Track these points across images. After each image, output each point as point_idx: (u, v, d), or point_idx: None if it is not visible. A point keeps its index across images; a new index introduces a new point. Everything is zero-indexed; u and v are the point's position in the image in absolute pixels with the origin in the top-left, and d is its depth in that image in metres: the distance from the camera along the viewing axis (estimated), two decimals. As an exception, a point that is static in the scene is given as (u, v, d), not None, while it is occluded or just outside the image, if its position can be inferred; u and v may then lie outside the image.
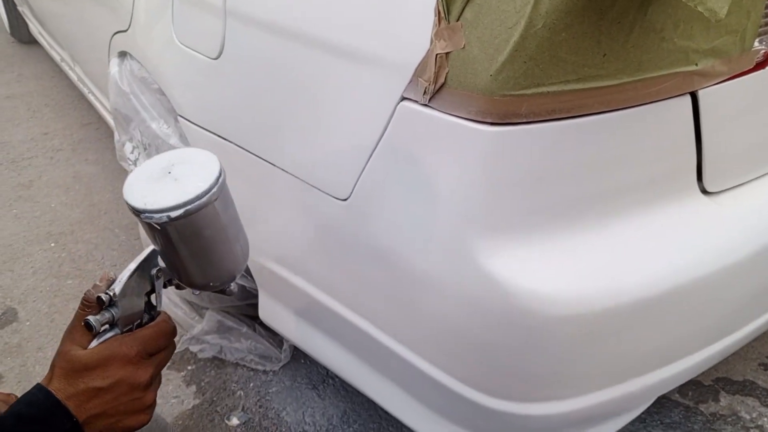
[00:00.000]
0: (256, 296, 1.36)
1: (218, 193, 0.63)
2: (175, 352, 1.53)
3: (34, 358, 1.55)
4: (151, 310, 0.69)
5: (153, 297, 0.69)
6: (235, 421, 1.37)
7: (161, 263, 0.68)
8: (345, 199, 0.90)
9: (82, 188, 2.30)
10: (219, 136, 1.09)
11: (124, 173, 2.41)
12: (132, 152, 1.38)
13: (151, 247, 0.68)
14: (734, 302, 0.94)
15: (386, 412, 1.09)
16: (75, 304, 1.69)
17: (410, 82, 0.75)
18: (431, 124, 0.75)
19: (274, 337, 1.52)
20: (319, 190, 0.94)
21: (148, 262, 0.67)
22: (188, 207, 0.60)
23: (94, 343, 0.62)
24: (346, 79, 0.83)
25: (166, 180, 0.63)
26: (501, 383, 0.89)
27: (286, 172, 0.99)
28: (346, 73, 0.83)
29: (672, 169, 0.85)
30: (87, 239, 2.01)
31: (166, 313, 0.70)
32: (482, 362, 0.87)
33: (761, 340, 1.55)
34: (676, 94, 0.79)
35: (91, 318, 0.61)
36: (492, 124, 0.71)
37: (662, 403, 1.41)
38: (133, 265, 0.65)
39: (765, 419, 1.37)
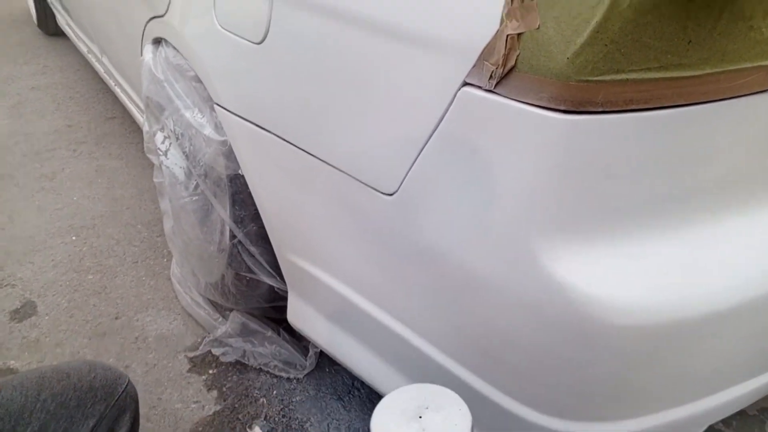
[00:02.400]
0: (282, 298, 1.30)
1: None
2: (197, 354, 1.49)
3: (52, 354, 1.50)
4: None
5: None
6: (257, 431, 1.31)
7: None
8: (391, 194, 0.85)
9: (104, 182, 2.27)
10: (257, 125, 1.03)
11: (149, 168, 2.38)
12: (163, 142, 1.33)
13: None
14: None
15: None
16: (95, 300, 1.66)
17: (474, 66, 0.69)
18: (496, 112, 0.69)
19: (298, 342, 1.46)
20: (363, 183, 0.88)
21: None
22: None
23: None
24: (400, 64, 0.78)
25: (412, 425, 0.68)
26: (553, 399, 0.83)
27: (328, 163, 0.93)
28: (402, 58, 0.77)
29: (753, 172, 0.78)
30: (109, 234, 1.97)
31: None
32: (535, 375, 0.81)
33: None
34: (760, 90, 0.73)
35: None
36: (565, 111, 0.65)
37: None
38: None
39: (816, 450, 1.29)
